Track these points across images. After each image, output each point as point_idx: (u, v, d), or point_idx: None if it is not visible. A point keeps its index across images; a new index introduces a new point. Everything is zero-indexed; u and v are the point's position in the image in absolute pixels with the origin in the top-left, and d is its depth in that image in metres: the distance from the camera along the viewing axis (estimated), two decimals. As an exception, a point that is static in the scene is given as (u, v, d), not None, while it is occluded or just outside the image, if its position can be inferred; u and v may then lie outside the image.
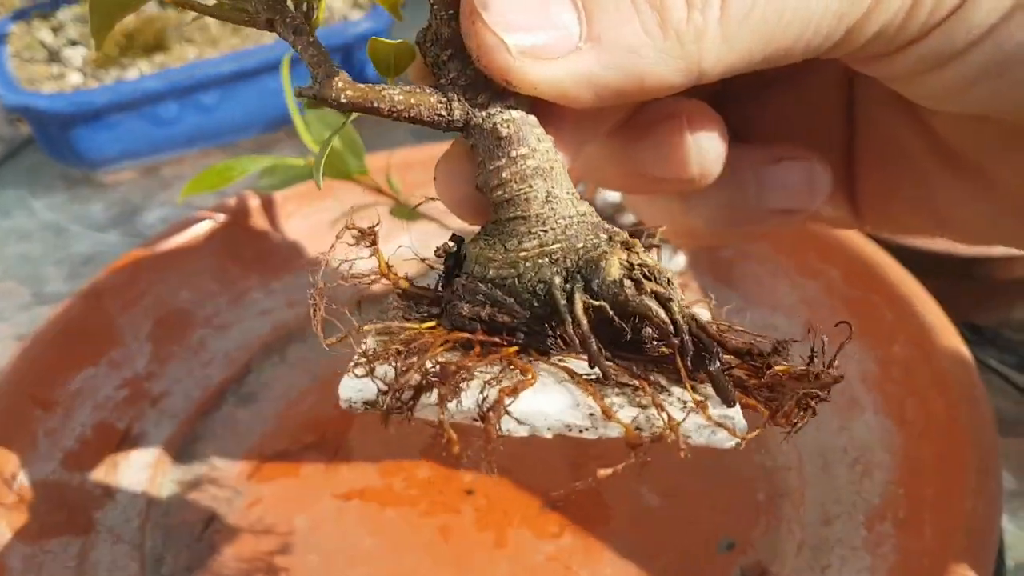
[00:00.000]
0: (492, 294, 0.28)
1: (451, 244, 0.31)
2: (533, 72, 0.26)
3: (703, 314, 0.30)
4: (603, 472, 0.25)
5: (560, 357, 0.28)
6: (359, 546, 0.50)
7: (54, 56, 0.92)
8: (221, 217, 0.64)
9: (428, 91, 0.28)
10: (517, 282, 0.28)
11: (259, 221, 0.66)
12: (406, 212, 0.60)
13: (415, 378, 0.26)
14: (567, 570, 0.48)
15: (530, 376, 0.26)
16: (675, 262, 0.64)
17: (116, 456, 0.56)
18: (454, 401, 0.25)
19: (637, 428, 0.26)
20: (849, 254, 0.58)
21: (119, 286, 0.60)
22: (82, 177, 0.91)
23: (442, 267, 0.31)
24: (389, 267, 0.31)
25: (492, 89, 0.28)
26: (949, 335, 0.50)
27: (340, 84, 0.28)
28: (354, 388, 0.27)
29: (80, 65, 0.90)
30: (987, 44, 0.27)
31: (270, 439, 0.58)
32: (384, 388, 0.26)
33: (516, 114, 0.28)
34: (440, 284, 0.31)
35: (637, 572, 0.48)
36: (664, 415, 0.25)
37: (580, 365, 0.27)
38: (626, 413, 0.26)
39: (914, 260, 0.55)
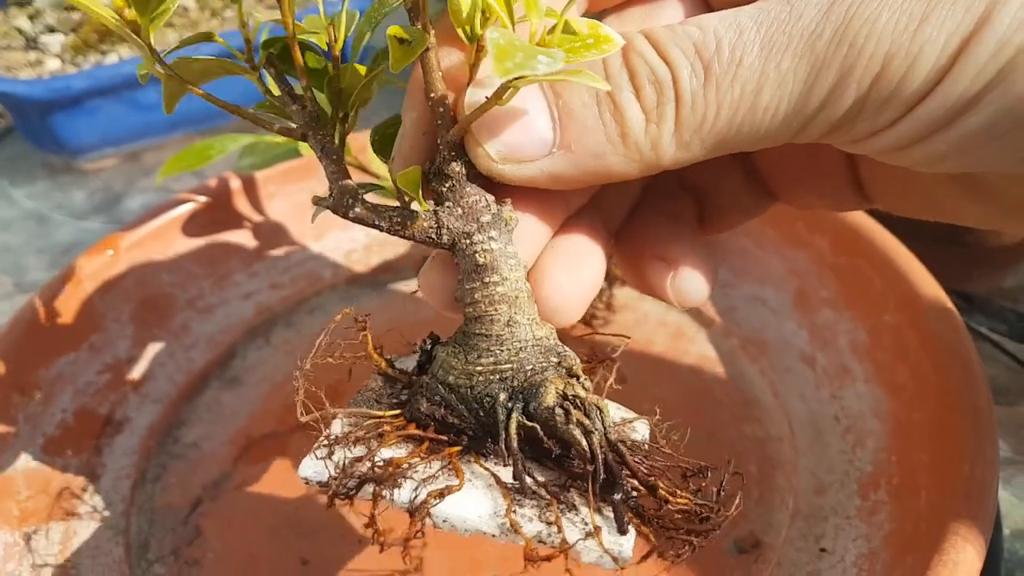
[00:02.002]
0: (448, 398, 0.32)
1: (427, 341, 0.35)
2: (510, 173, 0.31)
3: (642, 429, 0.34)
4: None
5: (495, 461, 0.32)
6: (348, 526, 0.50)
7: (32, 43, 0.91)
8: (202, 199, 0.63)
9: (423, 216, 0.32)
10: (469, 392, 0.32)
11: (241, 202, 0.65)
12: (390, 193, 0.59)
13: (362, 469, 0.30)
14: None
15: (458, 483, 0.31)
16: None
17: (99, 441, 0.55)
18: (390, 494, 0.30)
19: (539, 542, 0.30)
20: (837, 223, 0.57)
21: (99, 270, 0.59)
22: (63, 165, 0.90)
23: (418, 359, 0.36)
24: (378, 351, 0.35)
25: (480, 221, 0.32)
26: (939, 301, 0.50)
27: (349, 201, 0.32)
28: (312, 468, 0.31)
29: (58, 51, 0.89)
30: (950, 132, 0.27)
31: (256, 422, 0.57)
32: (335, 475, 0.31)
33: (496, 245, 0.32)
34: (414, 372, 0.35)
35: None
36: (560, 536, 0.29)
37: (505, 472, 0.31)
38: (532, 527, 0.30)
39: (903, 227, 0.54)
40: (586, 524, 0.30)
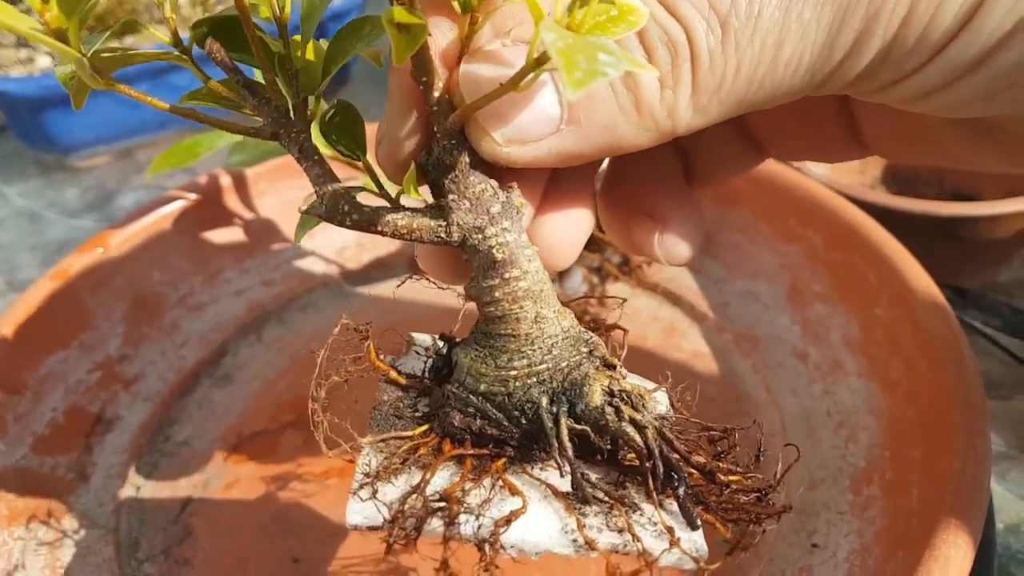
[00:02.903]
0: (483, 408, 0.30)
1: (441, 345, 0.33)
2: (516, 155, 0.28)
3: (663, 400, 0.33)
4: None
5: (542, 467, 0.30)
6: (339, 524, 0.49)
7: (23, 41, 0.90)
8: (192, 196, 0.63)
9: (427, 213, 0.30)
10: (507, 400, 0.30)
11: (231, 199, 0.64)
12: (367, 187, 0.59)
13: (416, 507, 0.28)
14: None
15: (521, 506, 0.28)
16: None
17: (89, 440, 0.54)
18: (454, 528, 0.28)
19: (615, 552, 0.28)
20: (830, 217, 0.57)
21: (89, 268, 0.59)
22: (56, 163, 0.89)
23: (428, 359, 0.34)
24: (379, 357, 0.33)
25: (490, 213, 0.30)
26: (933, 295, 0.49)
27: (345, 208, 0.29)
28: (360, 514, 0.29)
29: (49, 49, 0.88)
30: (978, 74, 0.26)
31: (247, 420, 0.57)
32: (388, 517, 0.28)
33: (511, 237, 0.30)
34: (429, 376, 0.33)
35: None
36: (640, 544, 0.28)
37: (557, 477, 0.30)
38: (605, 539, 0.28)
39: (896, 221, 0.54)
40: (654, 524, 0.28)
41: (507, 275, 0.30)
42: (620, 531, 0.28)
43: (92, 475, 0.53)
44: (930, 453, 0.45)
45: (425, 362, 0.34)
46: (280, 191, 0.66)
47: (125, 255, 0.60)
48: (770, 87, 0.27)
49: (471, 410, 0.31)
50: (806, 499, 0.48)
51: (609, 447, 0.30)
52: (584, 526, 0.28)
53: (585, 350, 0.31)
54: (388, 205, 0.30)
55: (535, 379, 0.30)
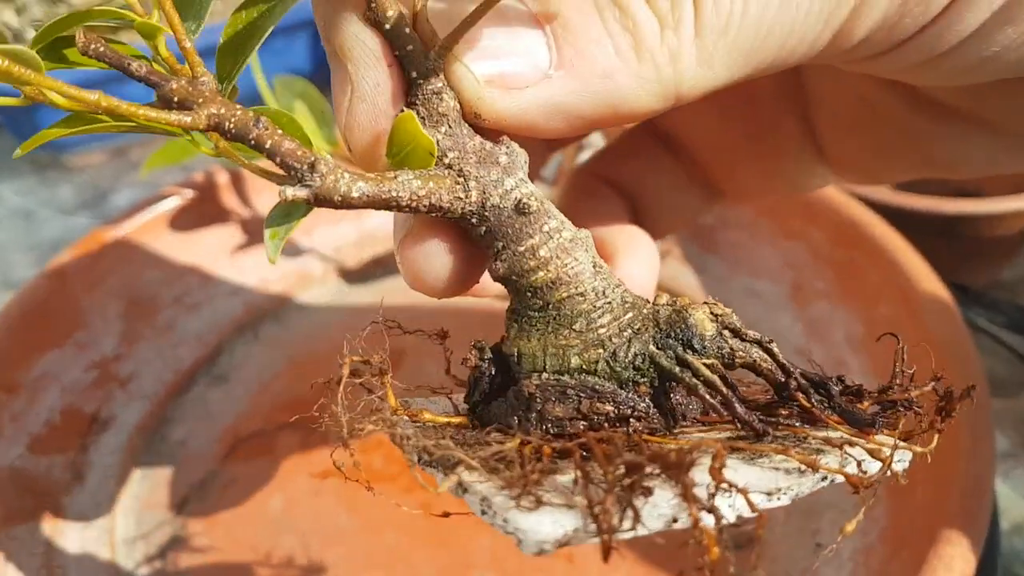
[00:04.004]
0: (585, 382, 0.25)
1: (481, 353, 0.27)
2: (501, 103, 0.25)
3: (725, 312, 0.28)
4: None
5: (679, 431, 0.26)
6: (336, 524, 0.49)
7: (18, 37, 0.89)
8: (189, 194, 0.62)
9: (441, 172, 0.25)
10: (612, 363, 0.25)
11: (228, 197, 0.64)
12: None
13: (621, 488, 0.21)
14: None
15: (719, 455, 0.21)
16: None
17: (85, 440, 0.54)
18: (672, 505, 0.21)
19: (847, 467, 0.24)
20: (833, 214, 0.56)
21: (83, 267, 0.58)
22: (50, 160, 0.89)
23: (474, 384, 0.28)
24: (404, 406, 0.27)
25: (500, 164, 0.26)
26: (937, 293, 0.49)
27: (346, 179, 0.23)
28: (541, 526, 0.21)
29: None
30: (995, 30, 0.24)
31: (244, 419, 0.56)
32: (589, 510, 0.20)
33: (533, 187, 0.26)
34: (477, 401, 0.27)
35: (620, 541, 0.46)
36: (865, 452, 0.24)
37: (709, 437, 0.25)
38: (828, 461, 0.24)
39: (899, 220, 0.54)
40: (833, 446, 0.24)
41: (546, 227, 0.26)
42: (824, 452, 0.24)
43: (88, 475, 0.52)
44: (934, 452, 0.44)
45: (472, 382, 0.28)
46: (277, 188, 0.65)
47: (120, 253, 0.60)
48: (780, 35, 0.24)
49: (571, 392, 0.25)
50: (809, 498, 0.48)
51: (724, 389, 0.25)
52: (793, 450, 0.23)
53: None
54: (402, 171, 0.25)
55: (630, 330, 0.25)
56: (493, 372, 0.28)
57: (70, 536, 0.49)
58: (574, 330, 0.26)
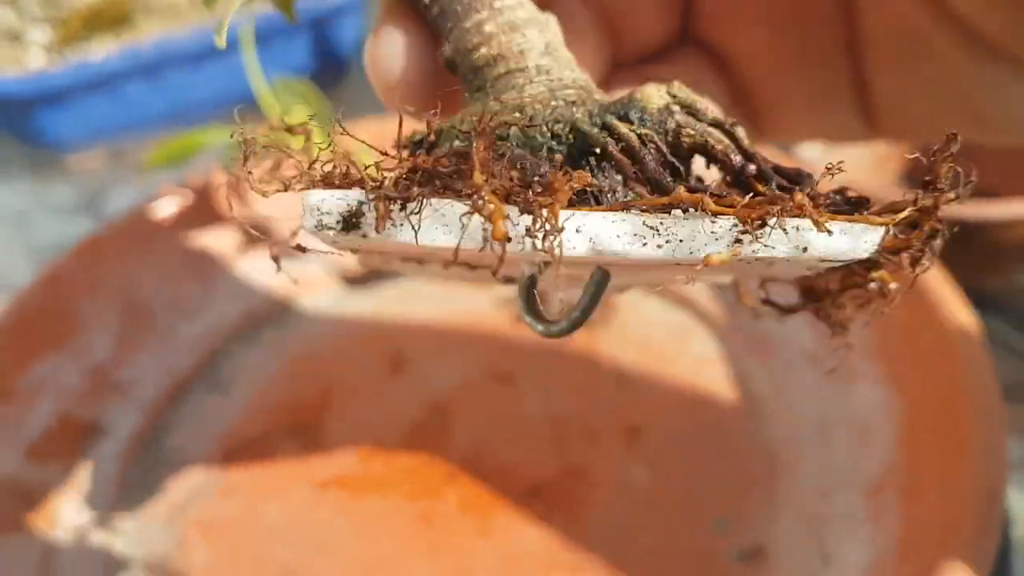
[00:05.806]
0: (507, 133, 0.22)
1: (416, 135, 0.25)
2: None
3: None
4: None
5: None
6: (335, 534, 0.48)
7: (16, 36, 0.89)
8: (187, 196, 0.61)
9: None
10: (527, 128, 0.22)
11: (227, 199, 0.63)
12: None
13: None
14: (551, 554, 0.46)
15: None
16: None
17: (83, 447, 0.53)
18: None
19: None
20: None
21: (79, 271, 0.57)
22: (48, 161, 0.88)
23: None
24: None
25: None
26: (952, 298, 0.48)
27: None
28: (320, 199, 0.20)
29: (45, 44, 0.87)
30: None
31: (243, 426, 0.55)
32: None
33: None
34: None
35: (625, 554, 0.46)
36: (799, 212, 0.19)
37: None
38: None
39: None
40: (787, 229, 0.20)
41: (497, 4, 0.23)
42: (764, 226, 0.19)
43: (86, 483, 0.52)
44: (946, 461, 0.44)
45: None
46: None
47: (117, 256, 0.59)
48: None
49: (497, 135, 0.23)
50: (819, 507, 0.47)
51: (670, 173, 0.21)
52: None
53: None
54: None
55: (562, 101, 0.23)
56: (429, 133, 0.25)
57: (66, 545, 0.48)
58: (500, 100, 0.23)
